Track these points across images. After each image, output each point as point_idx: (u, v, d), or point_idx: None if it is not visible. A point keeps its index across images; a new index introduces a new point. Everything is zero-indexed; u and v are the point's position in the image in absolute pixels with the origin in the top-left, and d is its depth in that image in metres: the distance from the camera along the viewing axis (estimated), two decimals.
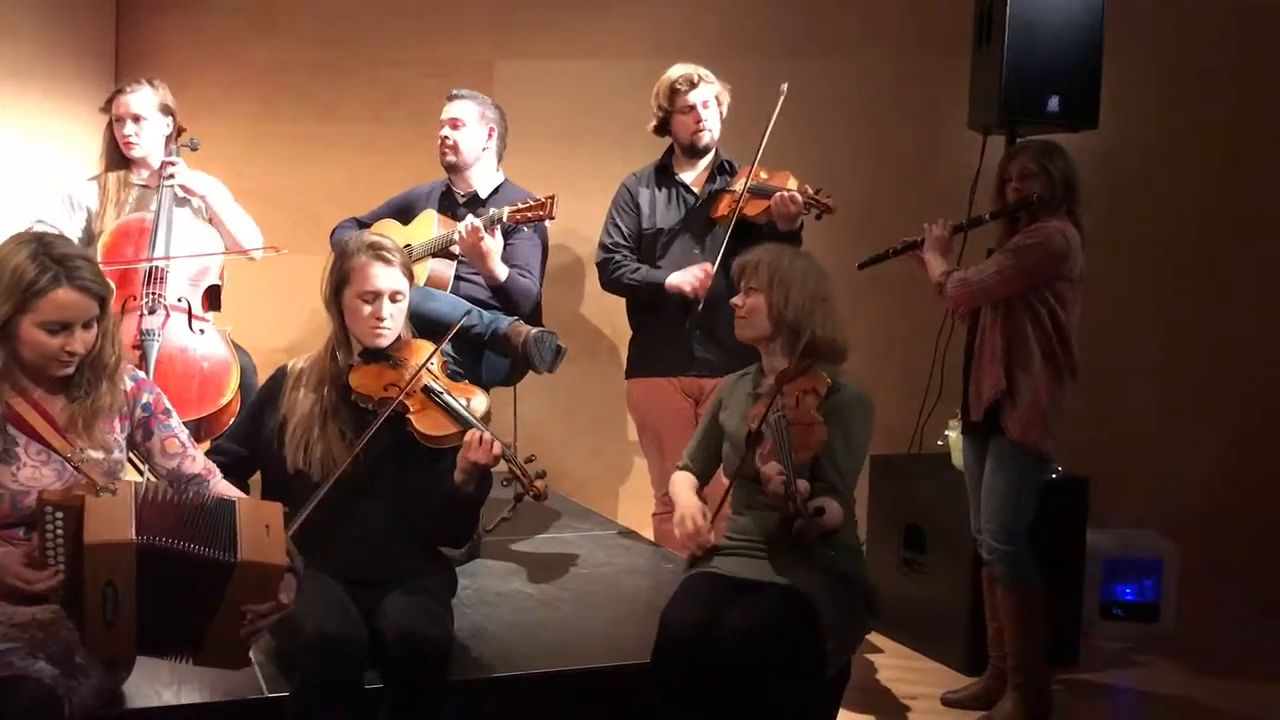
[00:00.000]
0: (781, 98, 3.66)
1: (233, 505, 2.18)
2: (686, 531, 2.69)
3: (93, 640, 2.08)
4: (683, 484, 2.88)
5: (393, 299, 2.64)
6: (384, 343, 2.66)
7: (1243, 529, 4.46)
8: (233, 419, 3.57)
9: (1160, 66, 4.48)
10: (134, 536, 2.03)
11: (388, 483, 2.62)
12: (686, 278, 3.66)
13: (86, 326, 2.22)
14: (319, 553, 2.51)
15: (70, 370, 2.24)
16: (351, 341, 2.70)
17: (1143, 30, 4.35)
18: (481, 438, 2.50)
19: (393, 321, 2.65)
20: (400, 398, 2.58)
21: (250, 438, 2.71)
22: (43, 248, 2.19)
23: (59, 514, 2.05)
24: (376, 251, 2.63)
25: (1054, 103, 3.69)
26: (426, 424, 2.60)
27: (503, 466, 2.57)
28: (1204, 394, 4.57)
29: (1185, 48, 4.51)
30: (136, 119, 3.75)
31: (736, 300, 2.84)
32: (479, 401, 2.69)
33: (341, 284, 2.66)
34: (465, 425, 2.57)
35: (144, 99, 3.76)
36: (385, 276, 2.63)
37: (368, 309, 2.63)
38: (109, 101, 3.80)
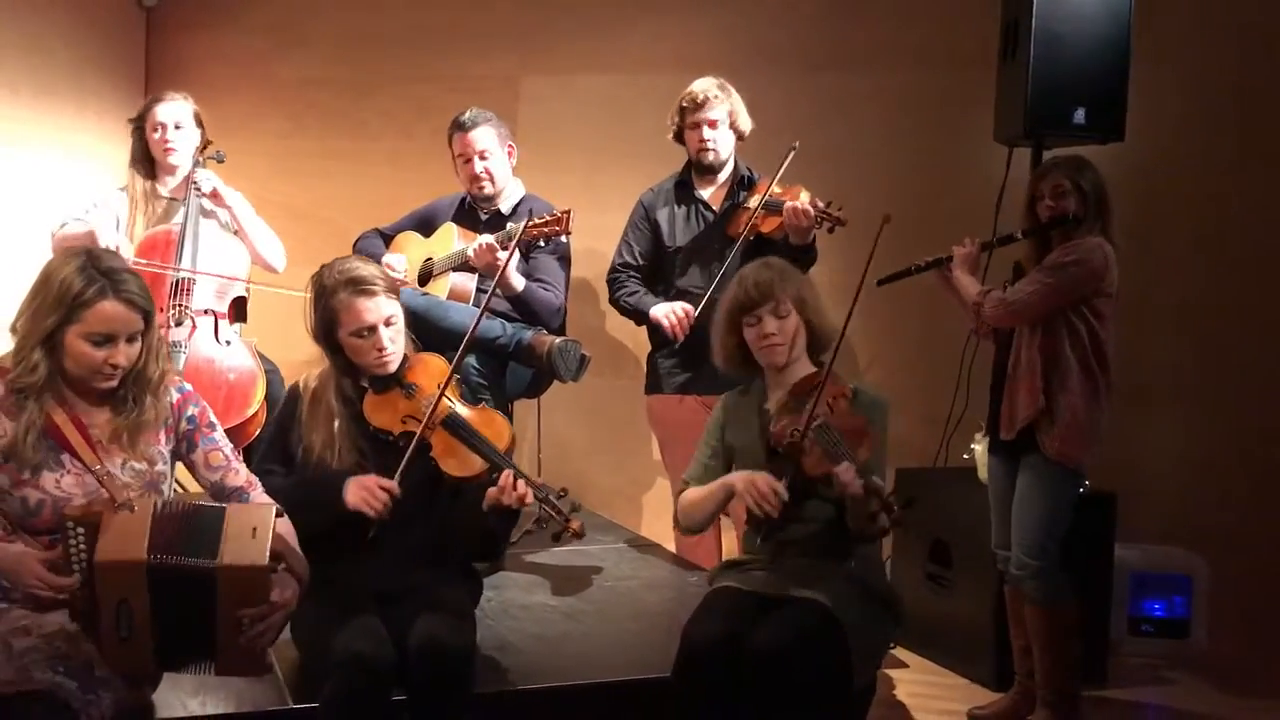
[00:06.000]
0: (791, 154, 3.68)
1: (222, 511, 2.18)
2: (761, 491, 2.55)
3: (110, 656, 2.09)
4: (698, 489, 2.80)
5: (388, 325, 2.60)
6: (392, 369, 2.64)
7: (1273, 545, 4.40)
8: (258, 429, 3.61)
9: (1188, 77, 4.44)
10: (145, 556, 2.05)
11: (416, 509, 2.59)
12: (667, 313, 3.66)
13: (130, 340, 2.23)
14: (349, 571, 2.53)
15: (114, 384, 2.25)
16: (357, 370, 2.66)
17: (1170, 41, 4.32)
18: (512, 482, 2.46)
19: (394, 346, 2.62)
20: (421, 431, 2.55)
21: (285, 460, 2.67)
22: (90, 261, 2.22)
23: (79, 529, 2.07)
24: (357, 286, 2.57)
25: (1080, 115, 3.66)
26: (453, 465, 2.57)
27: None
28: (1233, 409, 4.51)
29: (1212, 58, 4.47)
30: (178, 126, 3.83)
31: (771, 329, 2.70)
32: (502, 428, 2.65)
33: (331, 324, 2.61)
34: (492, 461, 2.55)
35: (180, 108, 3.85)
36: (374, 309, 2.57)
37: (367, 343, 2.59)
38: (142, 113, 3.86)
